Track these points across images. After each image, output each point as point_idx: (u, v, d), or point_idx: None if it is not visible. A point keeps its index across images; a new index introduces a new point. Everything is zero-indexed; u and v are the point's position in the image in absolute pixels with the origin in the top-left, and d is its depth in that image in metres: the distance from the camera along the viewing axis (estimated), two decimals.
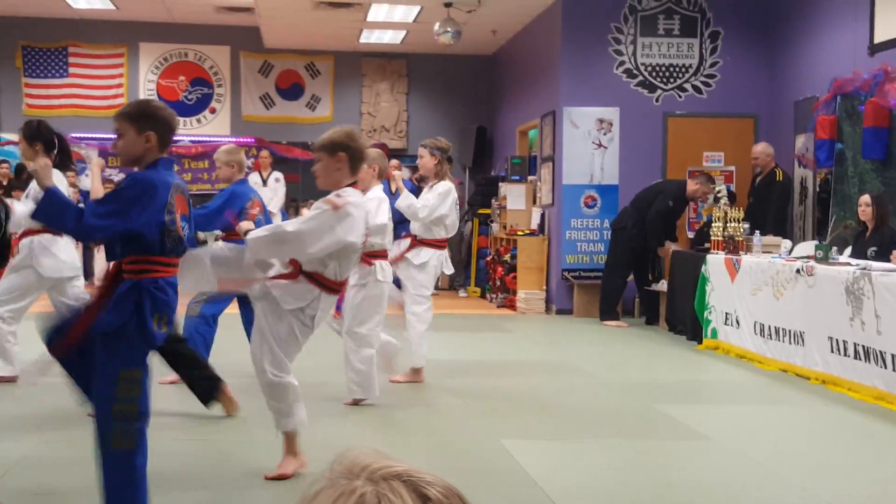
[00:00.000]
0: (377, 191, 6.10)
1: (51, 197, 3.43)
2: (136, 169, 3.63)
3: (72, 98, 14.75)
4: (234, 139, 14.88)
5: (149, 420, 3.55)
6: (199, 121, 15.15)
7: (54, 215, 3.48)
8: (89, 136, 14.53)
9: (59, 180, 5.61)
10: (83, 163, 14.54)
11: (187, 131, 15.02)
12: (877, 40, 8.96)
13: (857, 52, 9.21)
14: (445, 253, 6.93)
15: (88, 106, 14.71)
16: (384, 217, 6.05)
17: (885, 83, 8.48)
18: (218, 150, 6.59)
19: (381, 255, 6.08)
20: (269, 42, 14.55)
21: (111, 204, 3.48)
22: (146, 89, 14.97)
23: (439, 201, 6.73)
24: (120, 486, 3.47)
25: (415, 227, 6.89)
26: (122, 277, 3.54)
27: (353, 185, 4.40)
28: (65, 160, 6.15)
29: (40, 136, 6.10)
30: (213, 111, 15.17)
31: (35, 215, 3.52)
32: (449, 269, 7.01)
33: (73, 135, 14.61)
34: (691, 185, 10.15)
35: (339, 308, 5.95)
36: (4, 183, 13.05)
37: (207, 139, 14.92)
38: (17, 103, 14.55)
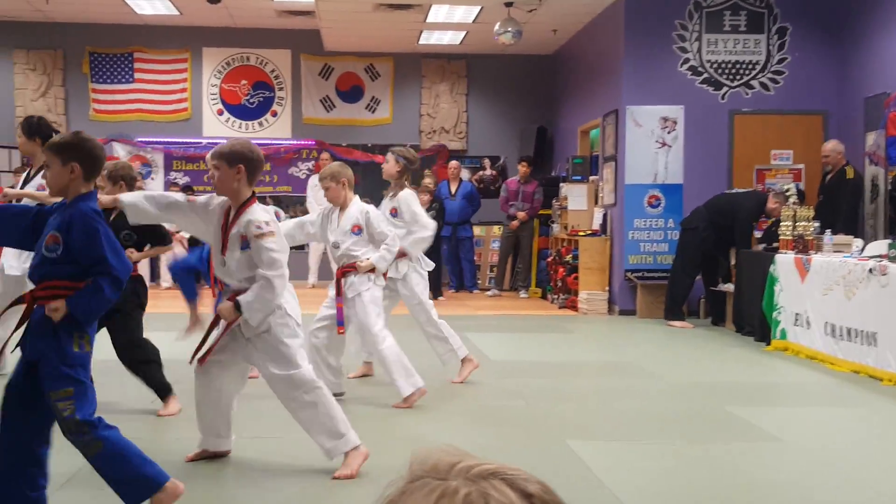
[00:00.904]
0: (357, 203, 6.02)
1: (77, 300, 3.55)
2: (65, 199, 3.70)
3: (137, 103, 14.93)
4: (294, 142, 14.98)
5: (102, 422, 3.58)
6: (260, 124, 15.27)
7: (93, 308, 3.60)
8: (155, 140, 14.74)
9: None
10: (149, 166, 14.76)
11: (249, 135, 15.14)
12: None
13: None
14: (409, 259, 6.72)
15: (154, 111, 14.89)
16: (383, 226, 6.01)
17: None
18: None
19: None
20: (330, 45, 14.62)
21: (110, 247, 3.59)
22: (209, 94, 15.12)
23: (420, 208, 6.65)
24: (116, 474, 3.61)
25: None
26: (34, 304, 3.62)
27: (252, 197, 4.41)
28: None
29: (40, 131, 6.13)
30: (274, 114, 15.27)
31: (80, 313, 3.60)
32: (429, 266, 6.84)
33: (139, 139, 14.86)
34: (772, 203, 9.83)
35: (340, 323, 5.87)
36: None
37: (269, 142, 15.02)
38: (84, 109, 14.79)
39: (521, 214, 13.47)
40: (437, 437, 5.10)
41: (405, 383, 5.89)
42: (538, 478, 0.98)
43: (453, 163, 14.36)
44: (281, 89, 15.25)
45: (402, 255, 6.36)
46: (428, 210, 12.91)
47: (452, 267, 13.97)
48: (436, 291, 12.73)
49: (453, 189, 13.96)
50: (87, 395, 3.56)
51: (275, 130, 15.25)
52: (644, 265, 11.15)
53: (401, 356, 5.92)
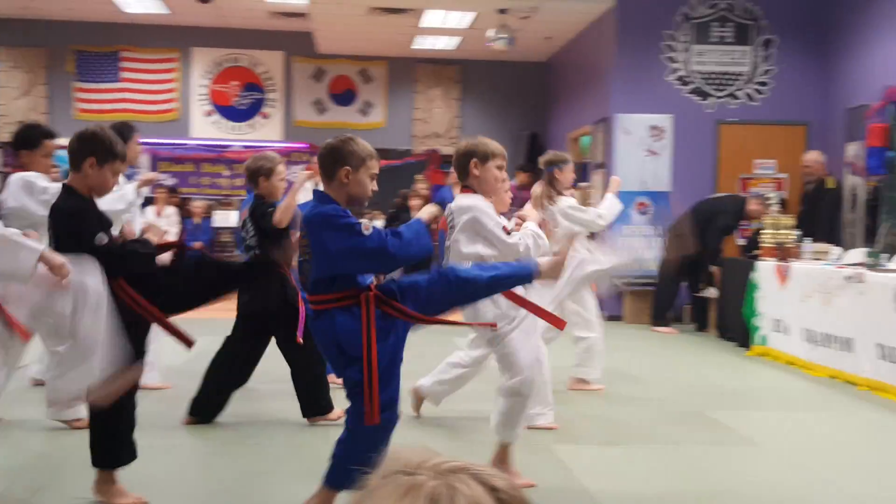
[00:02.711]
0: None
1: None
2: None
3: (124, 103, 14.82)
4: (286, 145, 15.09)
5: None
6: (251, 126, 15.34)
7: None
8: (141, 141, 14.77)
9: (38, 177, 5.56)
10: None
11: (239, 136, 15.19)
12: None
13: None
14: None
15: (140, 111, 14.71)
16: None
17: None
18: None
19: None
20: (323, 47, 14.73)
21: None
22: (198, 94, 15.15)
23: None
24: None
25: None
26: None
27: None
28: None
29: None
30: (265, 116, 15.36)
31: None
32: None
33: None
34: (752, 205, 10.06)
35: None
36: None
37: (259, 144, 15.12)
38: (68, 108, 14.69)
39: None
40: (422, 441, 5.26)
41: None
42: (506, 475, 1.02)
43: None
44: (272, 91, 15.34)
45: None
46: None
47: None
48: None
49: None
50: None
51: (266, 133, 15.32)
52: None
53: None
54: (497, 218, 4.49)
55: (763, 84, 11.34)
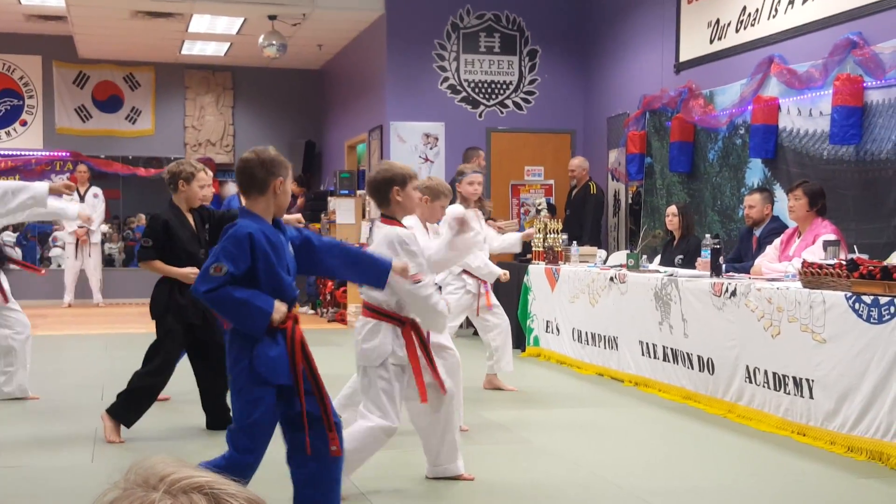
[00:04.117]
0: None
1: None
2: None
3: None
4: (47, 153, 14.30)
5: None
6: (8, 133, 14.48)
7: None
8: None
9: None
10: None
11: None
12: (682, 59, 9.50)
13: (665, 71, 9.74)
14: None
15: None
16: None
17: (690, 100, 9.00)
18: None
19: None
20: (84, 52, 14.06)
21: None
22: None
23: None
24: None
25: None
26: None
27: None
28: None
29: None
30: (23, 123, 14.53)
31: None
32: None
33: None
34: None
35: None
36: None
37: (18, 153, 14.29)
38: None
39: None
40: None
41: None
42: (251, 494, 0.99)
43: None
44: (31, 97, 14.53)
45: None
46: None
47: None
48: None
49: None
50: None
51: (25, 140, 14.50)
52: None
53: None
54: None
55: (530, 94, 11.74)
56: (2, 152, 14.26)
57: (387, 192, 4.42)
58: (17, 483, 4.76)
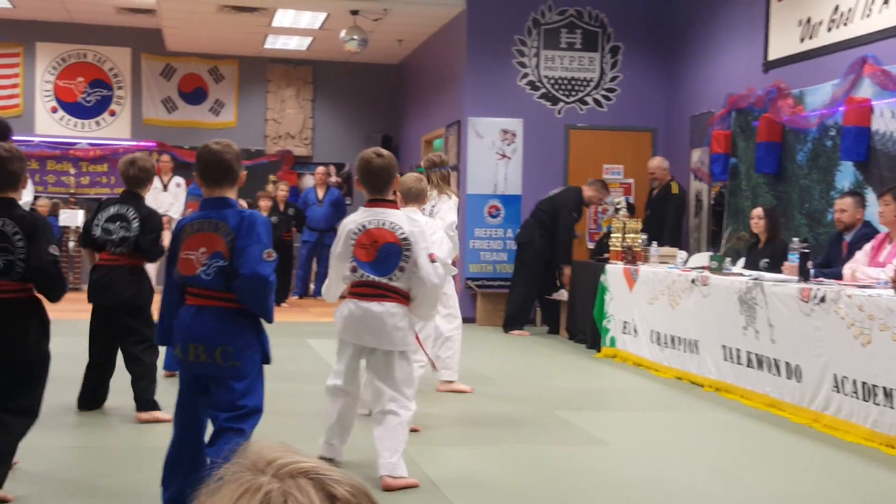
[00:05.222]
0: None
1: None
2: None
3: None
4: (134, 143, 14.59)
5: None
6: (97, 123, 14.82)
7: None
8: None
9: None
10: None
11: (86, 134, 14.68)
12: (770, 57, 9.28)
13: (752, 69, 9.53)
14: None
15: None
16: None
17: (778, 99, 8.79)
18: None
19: None
20: (172, 45, 14.32)
21: None
22: (43, 90, 14.59)
23: None
24: None
25: None
26: None
27: None
28: None
29: None
30: (112, 114, 14.85)
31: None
32: None
33: None
34: (587, 191, 10.29)
35: None
36: None
37: (106, 142, 14.61)
38: None
39: None
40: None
41: None
42: (355, 481, 0.99)
43: (321, 168, 14.28)
44: (120, 88, 14.85)
45: None
46: (270, 216, 12.84)
47: (304, 273, 13.87)
48: (280, 297, 12.66)
49: (321, 195, 13.86)
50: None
51: (113, 130, 14.83)
52: (484, 274, 11.41)
53: None
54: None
55: (611, 91, 11.59)
56: (92, 141, 14.60)
57: (391, 179, 4.63)
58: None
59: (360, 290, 4.54)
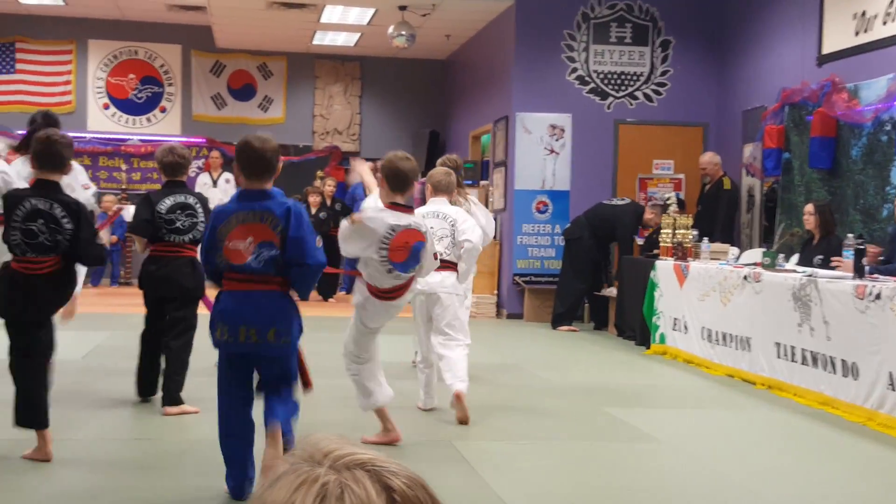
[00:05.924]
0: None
1: None
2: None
3: (19, 94, 14.47)
4: (184, 139, 14.74)
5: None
6: (148, 119, 14.99)
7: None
8: None
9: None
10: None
11: (137, 130, 14.86)
12: (825, 51, 9.13)
13: (806, 63, 9.38)
14: None
15: (36, 103, 14.32)
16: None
17: (833, 94, 8.64)
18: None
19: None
20: (221, 42, 14.44)
21: None
22: (95, 87, 14.79)
23: None
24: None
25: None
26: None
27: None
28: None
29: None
30: (163, 110, 15.01)
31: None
32: None
33: (20, 132, 14.38)
34: (648, 214, 10.17)
35: None
36: None
37: (157, 138, 14.75)
38: None
39: None
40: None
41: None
42: (412, 473, 0.99)
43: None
44: (170, 85, 15.00)
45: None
46: (319, 211, 12.91)
47: (352, 268, 13.90)
48: (327, 293, 12.73)
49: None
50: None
51: (164, 126, 14.99)
52: (532, 270, 11.37)
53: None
54: None
55: (661, 85, 11.48)
56: (142, 138, 14.77)
57: (414, 182, 5.09)
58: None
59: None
